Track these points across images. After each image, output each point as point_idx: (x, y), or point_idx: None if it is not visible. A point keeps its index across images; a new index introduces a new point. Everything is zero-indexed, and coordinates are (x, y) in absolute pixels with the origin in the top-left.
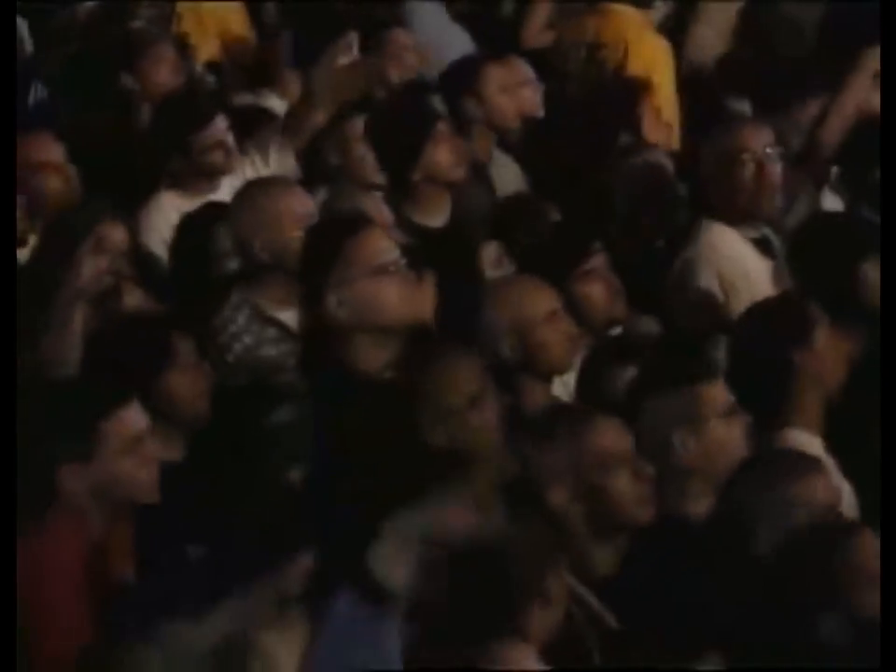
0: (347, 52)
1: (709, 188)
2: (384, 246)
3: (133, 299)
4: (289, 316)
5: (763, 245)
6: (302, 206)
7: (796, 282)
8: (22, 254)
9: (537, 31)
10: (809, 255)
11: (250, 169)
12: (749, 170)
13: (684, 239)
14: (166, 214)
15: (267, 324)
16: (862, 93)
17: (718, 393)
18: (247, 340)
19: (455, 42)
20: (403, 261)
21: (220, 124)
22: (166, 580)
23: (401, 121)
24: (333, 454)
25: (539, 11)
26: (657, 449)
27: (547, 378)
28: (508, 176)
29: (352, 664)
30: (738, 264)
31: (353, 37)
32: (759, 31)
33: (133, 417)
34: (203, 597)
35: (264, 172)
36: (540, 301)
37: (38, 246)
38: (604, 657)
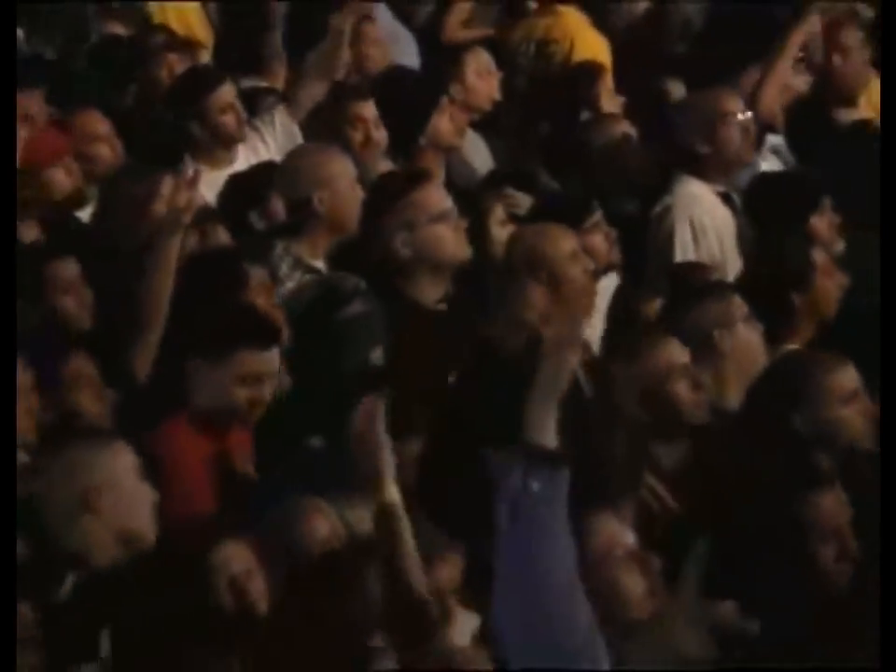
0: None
1: (693, 146)
2: (442, 197)
3: (222, 235)
4: (321, 265)
5: (725, 198)
6: (352, 167)
7: (755, 230)
8: (83, 214)
9: (455, 28)
10: (764, 207)
11: (260, 142)
12: (734, 129)
13: (656, 194)
14: None
15: (307, 271)
16: (791, 60)
17: (739, 303)
18: (290, 285)
19: (401, 38)
20: (455, 210)
21: (229, 88)
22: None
23: (413, 95)
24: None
25: (457, 10)
26: (700, 346)
27: None
28: (479, 152)
29: (532, 526)
30: (708, 212)
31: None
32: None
33: (268, 359)
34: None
35: (271, 142)
36: (565, 241)
37: (100, 201)
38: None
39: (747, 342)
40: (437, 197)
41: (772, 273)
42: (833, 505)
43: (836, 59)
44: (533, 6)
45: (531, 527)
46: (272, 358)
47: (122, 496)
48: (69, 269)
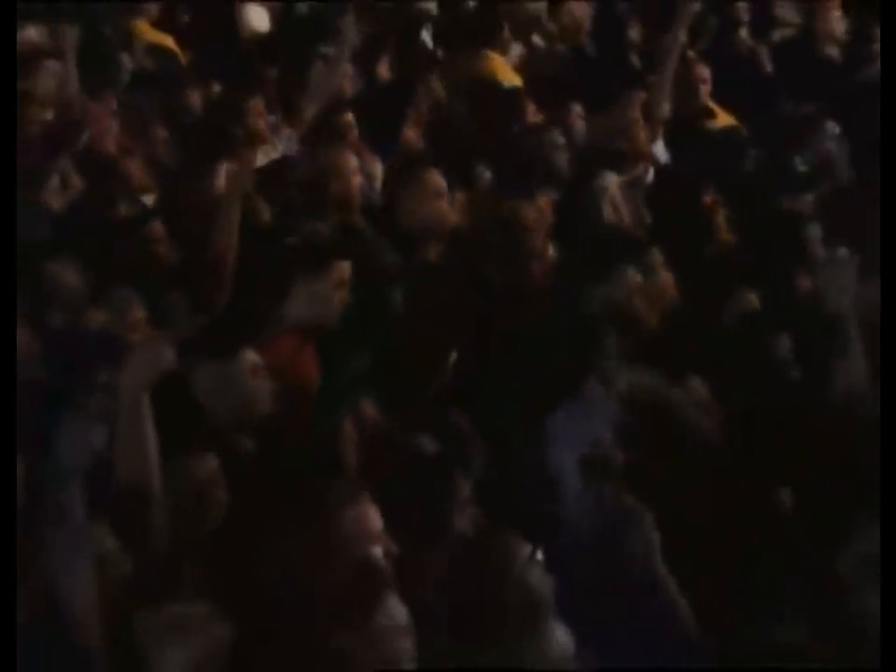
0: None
1: (614, 144)
2: (440, 178)
3: (264, 210)
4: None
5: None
6: (355, 161)
7: (651, 210)
8: (148, 199)
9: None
10: (668, 190)
11: (270, 146)
12: (642, 131)
13: (581, 182)
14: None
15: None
16: (667, 89)
17: (659, 255)
18: None
19: None
20: (446, 187)
21: (260, 100)
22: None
23: (390, 112)
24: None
25: (383, 62)
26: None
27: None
28: None
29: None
30: (618, 193)
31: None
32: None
33: (348, 267)
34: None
35: (279, 147)
36: (530, 210)
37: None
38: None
39: (668, 279)
40: (437, 178)
41: (685, 233)
42: (700, 389)
43: (703, 88)
44: (440, 54)
45: None
46: (348, 268)
47: (250, 388)
48: (159, 227)
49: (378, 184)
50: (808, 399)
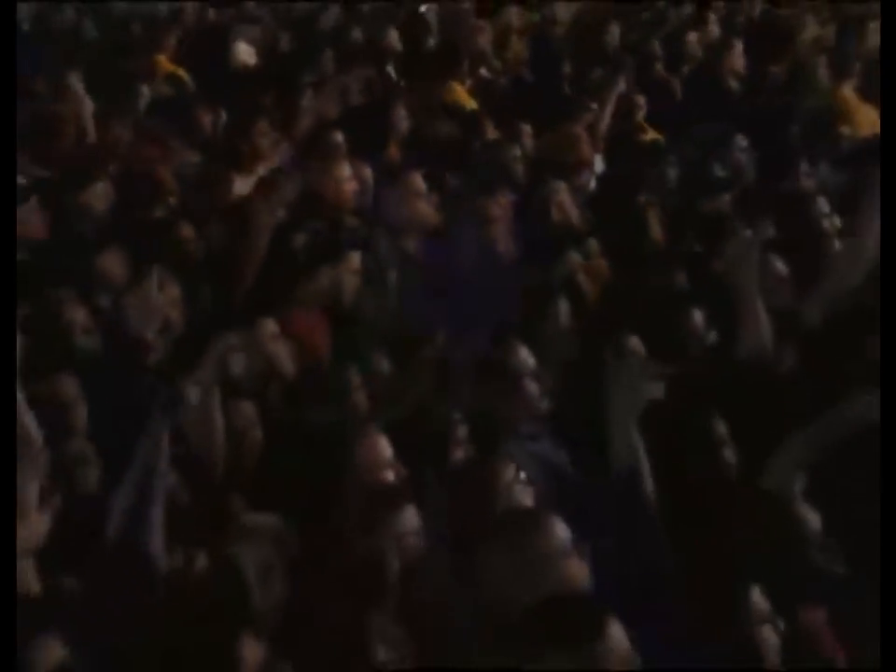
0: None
1: (563, 157)
2: (422, 181)
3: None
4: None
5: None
6: (348, 168)
7: (593, 210)
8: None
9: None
10: (612, 193)
11: (269, 160)
12: (587, 145)
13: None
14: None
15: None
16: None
17: (596, 244)
18: None
19: None
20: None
21: (266, 121)
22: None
23: (375, 127)
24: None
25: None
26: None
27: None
28: None
29: None
30: (567, 195)
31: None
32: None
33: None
34: None
35: (275, 162)
36: (497, 207)
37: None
38: None
39: (600, 263)
40: (420, 181)
41: (623, 229)
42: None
43: (639, 112)
44: (403, 84)
45: None
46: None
47: (269, 351)
48: (188, 229)
49: (368, 187)
50: (720, 359)
